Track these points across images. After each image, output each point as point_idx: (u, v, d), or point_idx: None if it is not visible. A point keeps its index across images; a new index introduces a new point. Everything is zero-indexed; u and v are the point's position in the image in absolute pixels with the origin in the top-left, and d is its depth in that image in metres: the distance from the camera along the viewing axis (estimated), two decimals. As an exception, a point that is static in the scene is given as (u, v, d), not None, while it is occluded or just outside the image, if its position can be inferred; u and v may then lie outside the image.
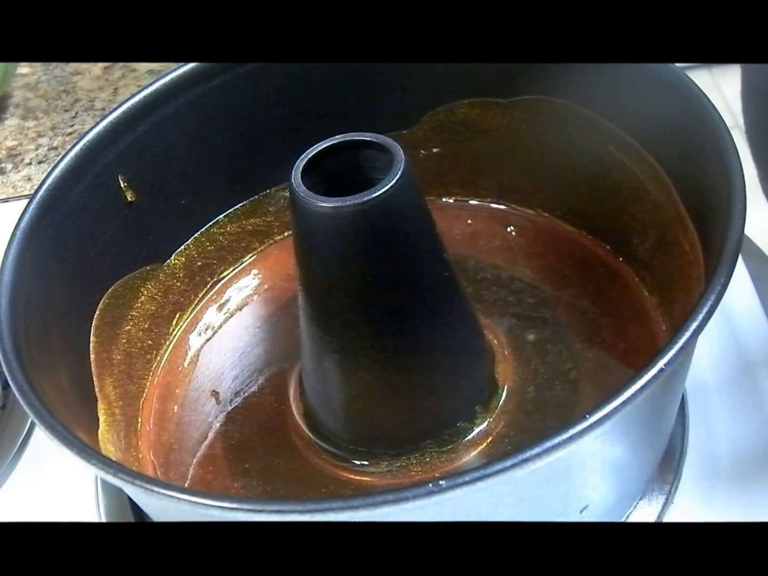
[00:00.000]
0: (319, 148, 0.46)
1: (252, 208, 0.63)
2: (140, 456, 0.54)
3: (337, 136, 0.46)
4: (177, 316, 0.60)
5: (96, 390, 0.52)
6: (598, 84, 0.53)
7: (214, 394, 0.57)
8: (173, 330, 0.60)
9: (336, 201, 0.43)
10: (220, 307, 0.62)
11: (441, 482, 0.34)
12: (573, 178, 0.58)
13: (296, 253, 0.47)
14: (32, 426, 0.62)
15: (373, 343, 0.48)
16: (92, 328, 0.53)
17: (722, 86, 1.55)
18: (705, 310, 0.38)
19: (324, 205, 0.43)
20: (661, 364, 0.36)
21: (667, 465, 0.52)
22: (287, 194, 0.62)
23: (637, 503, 0.51)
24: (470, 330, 0.52)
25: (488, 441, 0.50)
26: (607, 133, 0.54)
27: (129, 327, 0.57)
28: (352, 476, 0.51)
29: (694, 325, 0.38)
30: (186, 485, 0.52)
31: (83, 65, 0.93)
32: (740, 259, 0.44)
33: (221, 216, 0.62)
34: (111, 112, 0.55)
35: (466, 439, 0.50)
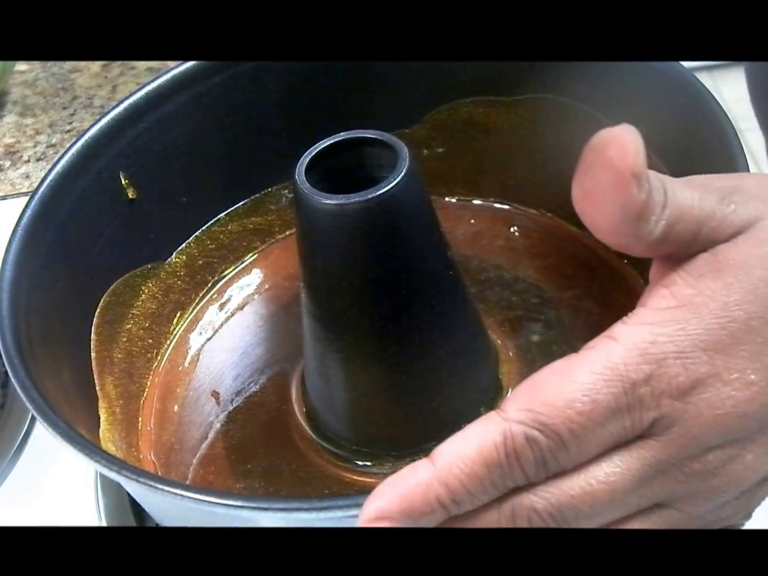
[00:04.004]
0: (323, 146, 0.46)
1: (253, 207, 0.62)
2: (141, 456, 0.53)
3: (342, 134, 0.46)
4: (178, 314, 0.60)
5: (97, 388, 0.52)
6: (602, 82, 0.52)
7: (215, 394, 0.57)
8: (174, 329, 0.60)
9: (340, 198, 0.43)
10: (221, 306, 0.61)
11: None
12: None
13: (300, 251, 0.47)
14: (31, 425, 0.61)
15: (377, 342, 0.47)
16: (93, 326, 0.53)
17: (723, 90, 1.55)
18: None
19: (328, 202, 0.43)
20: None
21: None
22: (289, 192, 0.62)
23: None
24: (474, 330, 0.51)
25: (492, 442, 0.50)
26: (611, 132, 0.54)
27: (130, 325, 0.56)
28: (354, 477, 0.50)
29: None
30: (187, 485, 0.52)
31: (82, 62, 0.93)
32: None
33: (222, 214, 0.61)
34: (112, 109, 0.54)
35: (469, 440, 0.50)
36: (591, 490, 0.33)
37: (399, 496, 0.32)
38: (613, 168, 0.32)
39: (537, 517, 0.33)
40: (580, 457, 0.32)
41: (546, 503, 0.33)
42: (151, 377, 0.58)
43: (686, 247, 0.35)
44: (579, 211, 0.35)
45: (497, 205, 0.63)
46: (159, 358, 0.59)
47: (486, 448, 0.32)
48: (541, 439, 0.32)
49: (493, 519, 0.33)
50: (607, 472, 0.33)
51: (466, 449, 0.32)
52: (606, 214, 0.34)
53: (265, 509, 0.36)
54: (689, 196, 0.34)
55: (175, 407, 0.56)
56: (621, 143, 0.32)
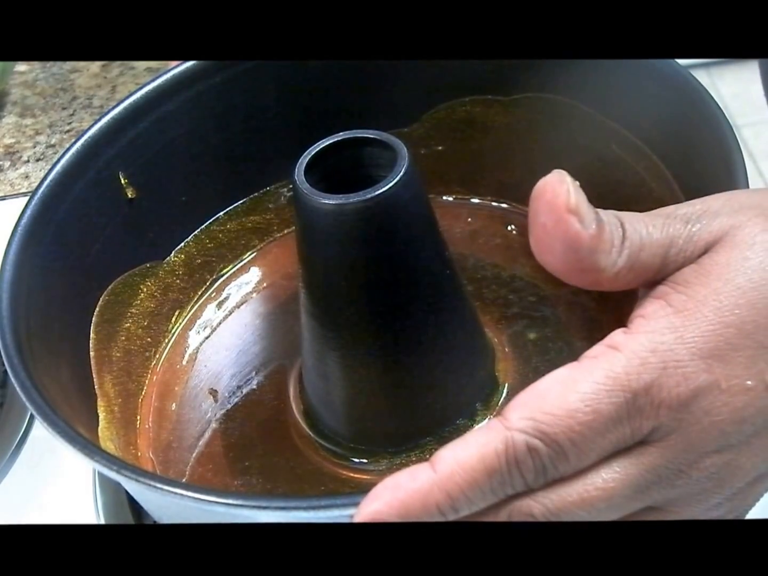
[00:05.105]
0: (323, 145, 0.46)
1: (252, 206, 0.62)
2: (139, 454, 0.54)
3: (341, 133, 0.46)
4: (176, 313, 0.60)
5: (96, 387, 0.52)
6: (599, 81, 0.53)
7: (213, 392, 0.57)
8: (172, 327, 0.60)
9: (339, 198, 0.43)
10: (220, 305, 0.61)
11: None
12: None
13: (299, 250, 0.47)
14: (30, 424, 0.62)
15: (375, 340, 0.48)
16: (92, 325, 0.53)
17: (720, 87, 1.55)
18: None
19: (327, 202, 0.43)
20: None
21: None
22: (287, 191, 0.62)
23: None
24: (471, 328, 0.52)
25: (489, 439, 0.50)
26: (609, 130, 0.54)
27: (128, 324, 0.56)
28: (351, 474, 0.51)
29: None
30: (185, 483, 0.52)
31: (81, 63, 0.93)
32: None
33: (221, 213, 0.61)
34: (112, 109, 0.55)
35: (466, 437, 0.50)
36: (588, 497, 0.33)
37: (397, 500, 0.32)
38: (551, 210, 0.34)
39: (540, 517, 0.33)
40: (579, 465, 0.33)
41: (543, 509, 0.33)
42: (149, 376, 0.58)
43: (658, 272, 0.35)
44: (540, 261, 0.36)
45: (495, 204, 0.63)
46: (157, 356, 0.59)
47: (487, 455, 0.32)
48: (542, 447, 0.32)
49: (497, 516, 0.33)
50: (605, 478, 0.33)
51: (467, 456, 0.32)
52: (559, 255, 0.35)
53: (264, 508, 0.36)
54: (651, 223, 0.35)
55: (174, 405, 0.56)
56: (552, 187, 0.34)
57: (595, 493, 0.33)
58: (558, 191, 0.34)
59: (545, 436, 0.32)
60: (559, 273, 0.36)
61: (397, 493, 0.32)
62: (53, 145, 0.85)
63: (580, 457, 0.32)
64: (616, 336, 0.34)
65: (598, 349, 0.34)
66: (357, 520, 0.32)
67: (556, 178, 0.34)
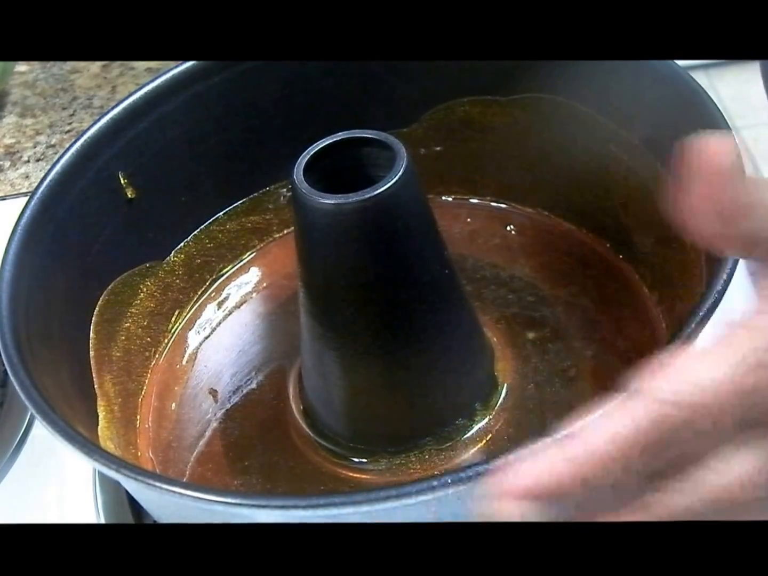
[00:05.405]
0: (321, 145, 0.46)
1: (251, 206, 0.63)
2: (139, 453, 0.54)
3: (339, 134, 0.47)
4: (176, 313, 0.60)
5: (95, 387, 0.52)
6: (597, 81, 0.53)
7: (213, 391, 0.57)
8: (172, 327, 0.60)
9: (338, 198, 0.43)
10: (219, 305, 0.62)
11: (446, 478, 0.34)
12: (573, 176, 0.58)
13: (297, 249, 0.47)
14: (30, 424, 0.62)
15: (374, 340, 0.48)
16: (92, 324, 0.53)
17: (719, 88, 1.55)
18: (705, 308, 0.39)
19: (326, 201, 0.43)
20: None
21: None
22: (287, 192, 0.62)
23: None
24: (470, 327, 0.52)
25: (488, 438, 0.50)
26: (606, 130, 0.54)
27: (128, 324, 0.57)
28: (350, 474, 0.51)
29: (695, 323, 0.38)
30: (185, 483, 0.52)
31: (81, 63, 0.93)
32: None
33: (221, 213, 0.62)
34: (112, 109, 0.55)
35: (465, 437, 0.50)
36: (728, 485, 0.32)
37: (548, 472, 0.30)
38: (706, 177, 0.33)
39: (681, 513, 0.32)
40: (722, 440, 0.32)
41: (688, 499, 0.32)
42: (149, 375, 0.58)
43: None
44: (681, 222, 0.35)
45: (494, 204, 0.63)
46: (157, 356, 0.59)
47: (635, 428, 0.31)
48: (694, 420, 0.31)
49: (634, 513, 0.33)
50: (747, 458, 0.32)
51: (616, 428, 0.31)
52: (706, 222, 0.34)
53: (264, 506, 0.36)
54: None
55: (173, 405, 0.57)
56: (711, 152, 0.33)
57: (746, 475, 0.32)
58: (715, 158, 0.33)
59: (697, 408, 0.31)
60: (701, 238, 0.35)
61: (547, 465, 0.30)
62: (53, 145, 0.85)
63: (725, 430, 0.31)
64: (754, 315, 0.34)
65: (734, 326, 0.34)
66: (504, 491, 0.30)
67: (716, 142, 0.33)
